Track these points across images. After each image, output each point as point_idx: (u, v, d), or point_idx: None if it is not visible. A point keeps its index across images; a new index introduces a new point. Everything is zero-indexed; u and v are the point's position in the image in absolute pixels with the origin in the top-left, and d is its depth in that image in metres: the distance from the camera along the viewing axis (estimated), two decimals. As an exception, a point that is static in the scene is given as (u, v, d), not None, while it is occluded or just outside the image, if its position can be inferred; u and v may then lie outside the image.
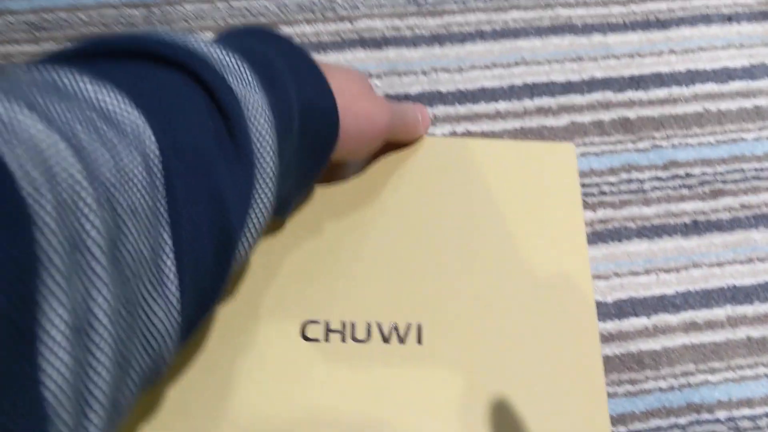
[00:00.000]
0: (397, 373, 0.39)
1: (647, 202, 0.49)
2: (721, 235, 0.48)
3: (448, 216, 0.44)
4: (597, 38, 0.54)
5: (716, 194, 0.49)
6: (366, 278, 0.41)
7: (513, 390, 0.39)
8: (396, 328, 0.40)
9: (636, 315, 0.45)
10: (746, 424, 0.43)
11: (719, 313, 0.46)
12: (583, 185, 0.49)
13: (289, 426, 0.37)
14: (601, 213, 0.48)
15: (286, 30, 0.52)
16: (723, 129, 0.51)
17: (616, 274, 0.46)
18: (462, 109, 0.51)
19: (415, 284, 0.41)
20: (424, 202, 0.44)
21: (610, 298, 0.46)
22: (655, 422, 0.43)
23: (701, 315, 0.46)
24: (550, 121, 0.51)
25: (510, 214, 0.44)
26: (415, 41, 0.53)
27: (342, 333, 0.39)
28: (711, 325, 0.45)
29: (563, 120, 0.51)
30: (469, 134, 0.50)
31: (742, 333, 0.45)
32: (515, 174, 0.45)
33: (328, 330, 0.39)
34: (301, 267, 0.41)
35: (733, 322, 0.46)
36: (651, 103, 0.52)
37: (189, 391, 0.37)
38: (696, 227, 0.48)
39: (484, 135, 0.50)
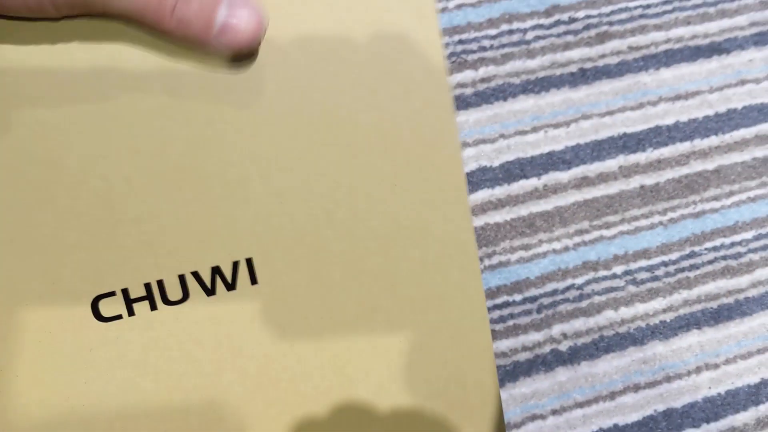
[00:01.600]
0: (235, 331, 0.29)
1: (531, 54, 0.45)
2: (610, 81, 0.45)
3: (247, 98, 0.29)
4: None
5: (602, 38, 0.45)
6: (160, 219, 0.28)
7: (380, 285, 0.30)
8: (219, 272, 0.29)
9: (525, 177, 0.42)
10: (644, 275, 0.42)
11: (611, 164, 0.43)
12: (461, 41, 0.44)
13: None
14: (483, 71, 0.44)
15: None
16: (606, -34, 0.47)
17: (503, 136, 0.43)
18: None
19: (228, 211, 0.29)
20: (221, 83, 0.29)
21: (497, 162, 0.42)
22: (551, 285, 0.41)
23: (593, 168, 0.43)
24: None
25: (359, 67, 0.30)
26: None
27: (149, 299, 0.28)
28: (603, 177, 0.43)
29: (434, -30, 0.45)
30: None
31: (635, 182, 0.43)
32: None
33: (129, 300, 0.28)
34: (69, 228, 0.28)
35: (626, 171, 0.43)
36: (529, -57, 0.47)
37: None
38: (584, 76, 0.45)
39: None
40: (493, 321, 0.40)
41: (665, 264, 0.42)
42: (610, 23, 0.46)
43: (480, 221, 0.41)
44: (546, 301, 0.40)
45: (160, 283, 0.28)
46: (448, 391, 0.31)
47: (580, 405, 0.39)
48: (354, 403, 0.30)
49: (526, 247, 0.41)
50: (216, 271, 0.28)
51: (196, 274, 0.28)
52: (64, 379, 0.28)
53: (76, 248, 0.27)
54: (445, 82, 0.30)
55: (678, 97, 0.45)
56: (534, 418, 0.39)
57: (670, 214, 0.43)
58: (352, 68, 0.29)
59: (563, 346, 0.40)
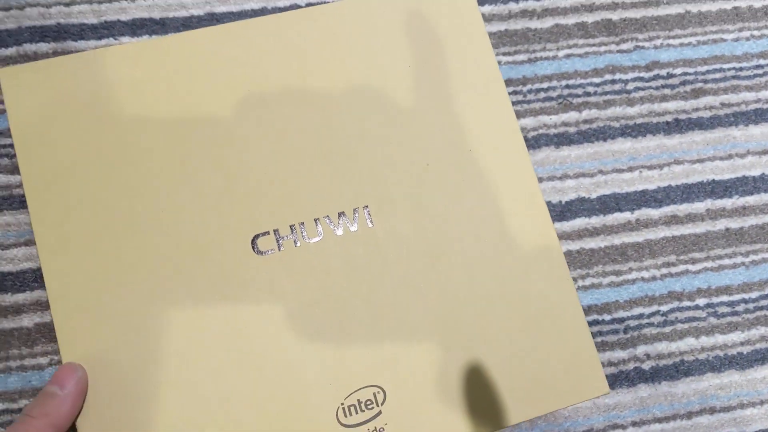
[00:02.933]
0: (357, 262, 0.38)
1: (630, 102, 0.49)
2: (702, 132, 0.49)
3: (361, 88, 0.41)
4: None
5: (697, 93, 0.50)
6: (296, 176, 0.39)
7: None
8: (344, 215, 0.39)
9: (620, 210, 0.47)
10: (725, 309, 0.45)
11: (699, 206, 0.47)
12: (567, 86, 0.49)
13: (265, 341, 0.36)
14: (586, 113, 0.49)
15: None
16: (703, 30, 0.52)
17: (601, 172, 0.47)
18: (447, 12, 0.51)
19: (348, 168, 0.39)
20: (332, 76, 0.41)
21: (594, 194, 0.47)
22: (638, 310, 0.45)
23: (682, 209, 0.47)
24: (535, 24, 0.51)
25: (427, 69, 0.42)
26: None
27: (293, 237, 0.38)
28: (691, 218, 0.47)
29: (548, 23, 0.51)
30: (454, 38, 0.50)
31: (721, 225, 0.47)
32: (421, 27, 0.43)
33: (279, 238, 0.38)
34: (230, 183, 0.38)
35: (713, 214, 0.47)
36: (633, 5, 0.52)
37: (152, 327, 0.36)
38: (678, 125, 0.49)
39: (470, 38, 0.50)
40: (582, 336, 0.44)
41: (745, 301, 0.45)
42: (705, 81, 0.50)
43: (576, 246, 0.46)
44: (632, 323, 0.44)
45: (301, 224, 0.38)
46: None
47: (658, 420, 0.42)
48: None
49: (617, 273, 0.45)
50: (341, 215, 0.39)
51: (327, 218, 0.38)
52: (228, 301, 0.37)
53: (239, 204, 0.38)
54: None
55: (765, 152, 0.49)
56: (615, 427, 0.42)
57: (752, 257, 0.46)
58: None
59: (646, 366, 0.43)
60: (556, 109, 0.49)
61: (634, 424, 0.42)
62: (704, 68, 0.51)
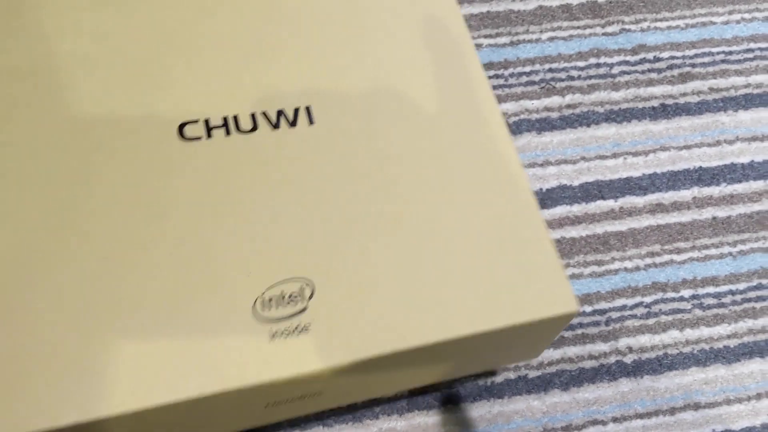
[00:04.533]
0: (292, 157, 0.35)
1: (616, 87, 0.48)
2: (689, 118, 0.47)
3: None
4: None
5: (685, 78, 0.48)
6: (241, 68, 0.37)
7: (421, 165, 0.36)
8: (283, 113, 0.36)
9: (603, 198, 0.45)
10: (711, 301, 0.43)
11: (685, 194, 0.46)
12: (551, 70, 0.48)
13: (186, 224, 0.33)
14: (569, 98, 0.47)
15: None
16: (692, 13, 0.50)
17: (584, 158, 0.46)
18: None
19: (296, 67, 0.37)
20: None
21: (577, 182, 0.45)
22: (620, 301, 0.43)
23: (668, 197, 0.45)
24: (518, 5, 0.49)
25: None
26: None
27: (225, 127, 0.35)
28: (677, 206, 0.45)
29: (531, 4, 0.49)
30: (433, 19, 0.48)
31: (707, 213, 0.45)
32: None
33: (209, 127, 0.35)
34: (166, 67, 0.37)
35: (699, 203, 0.45)
36: (620, -13, 0.51)
37: (69, 207, 0.33)
38: (664, 111, 0.47)
39: (450, 20, 0.48)
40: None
41: (732, 293, 0.44)
42: (693, 65, 0.49)
43: (557, 234, 0.44)
44: (614, 315, 0.43)
45: (235, 116, 0.35)
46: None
47: (640, 416, 0.41)
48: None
49: (599, 263, 0.43)
50: (281, 112, 0.36)
51: (265, 113, 0.36)
52: (150, 184, 0.34)
53: (168, 89, 0.36)
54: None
55: (754, 138, 0.47)
56: (595, 422, 0.40)
57: (740, 246, 0.45)
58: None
59: (628, 359, 0.42)
60: (538, 94, 0.47)
61: (615, 419, 0.41)
62: (692, 52, 0.49)
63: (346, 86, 0.37)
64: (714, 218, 0.45)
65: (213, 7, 0.38)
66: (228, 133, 0.35)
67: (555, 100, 0.47)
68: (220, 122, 0.35)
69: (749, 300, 0.44)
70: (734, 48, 0.49)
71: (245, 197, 0.34)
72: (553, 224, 0.44)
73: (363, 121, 0.36)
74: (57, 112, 0.35)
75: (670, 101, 0.48)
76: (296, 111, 0.36)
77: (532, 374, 0.41)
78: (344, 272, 0.32)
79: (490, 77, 0.47)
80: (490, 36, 0.48)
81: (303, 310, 0.31)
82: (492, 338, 0.33)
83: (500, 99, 0.47)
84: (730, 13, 0.50)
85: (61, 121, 0.34)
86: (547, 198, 0.45)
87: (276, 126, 0.35)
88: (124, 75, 0.36)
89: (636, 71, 0.48)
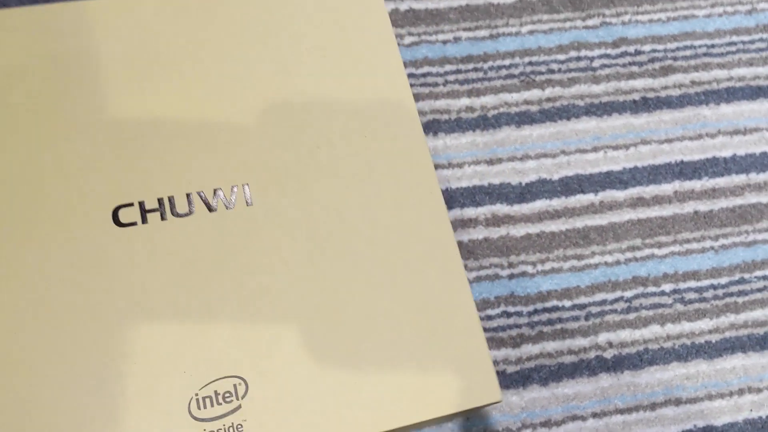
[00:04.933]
0: (230, 241, 0.34)
1: (596, 80, 0.47)
2: (670, 111, 0.47)
3: (255, 65, 0.38)
4: None
5: (666, 71, 0.48)
6: (174, 148, 0.36)
7: (360, 243, 0.35)
8: (220, 193, 0.35)
9: (583, 192, 0.44)
10: (692, 296, 0.43)
11: (667, 188, 0.45)
12: (531, 63, 0.47)
13: (118, 318, 0.33)
14: (549, 91, 0.47)
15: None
16: (674, 6, 0.50)
17: (564, 152, 0.45)
18: (405, -13, 0.48)
19: (231, 144, 0.36)
20: (228, 50, 0.38)
21: (556, 176, 0.45)
22: (600, 296, 0.42)
23: (649, 190, 0.45)
24: (497, -2, 0.49)
25: (327, 52, 0.39)
26: None
27: (160, 211, 0.34)
28: (658, 200, 0.45)
29: (511, -3, 0.49)
30: (412, 11, 0.48)
31: (689, 207, 0.45)
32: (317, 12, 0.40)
33: (144, 211, 0.34)
34: (98, 148, 0.35)
35: (681, 197, 0.45)
36: (601, -20, 0.50)
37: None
38: (645, 104, 0.47)
39: (429, 13, 0.48)
40: (541, 323, 0.41)
41: (714, 287, 0.43)
42: (675, 58, 0.48)
43: (536, 229, 0.43)
44: (594, 309, 0.42)
45: (170, 198, 0.35)
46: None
47: (620, 411, 0.40)
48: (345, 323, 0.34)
49: (578, 257, 0.43)
50: (218, 192, 0.35)
51: (200, 194, 0.35)
52: (82, 275, 0.33)
53: (101, 169, 0.35)
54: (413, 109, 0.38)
55: (737, 132, 0.47)
56: (575, 418, 0.40)
57: (722, 241, 0.44)
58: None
59: (608, 354, 0.41)
60: (518, 87, 0.47)
61: (595, 415, 0.40)
62: (674, 45, 0.49)
63: (283, 162, 0.36)
64: (696, 212, 0.45)
65: (147, 84, 0.37)
66: (163, 217, 0.34)
67: (535, 94, 0.46)
68: (155, 205, 0.34)
69: (731, 294, 0.43)
70: (716, 41, 0.49)
71: (179, 289, 0.33)
72: (533, 218, 0.43)
73: (301, 200, 0.36)
74: None
75: (651, 94, 0.47)
76: (233, 189, 0.35)
77: (511, 369, 0.40)
78: (277, 369, 0.32)
79: (468, 71, 0.46)
80: (469, 29, 0.48)
81: (237, 408, 0.31)
82: (418, 424, 0.34)
83: (479, 92, 0.46)
84: (713, 6, 0.50)
85: None
86: (526, 192, 0.44)
87: (212, 209, 0.35)
88: (56, 155, 0.35)
89: (617, 64, 0.48)
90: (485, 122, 0.45)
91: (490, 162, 0.44)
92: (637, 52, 0.48)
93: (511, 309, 0.41)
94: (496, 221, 0.43)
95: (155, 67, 0.37)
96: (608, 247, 0.43)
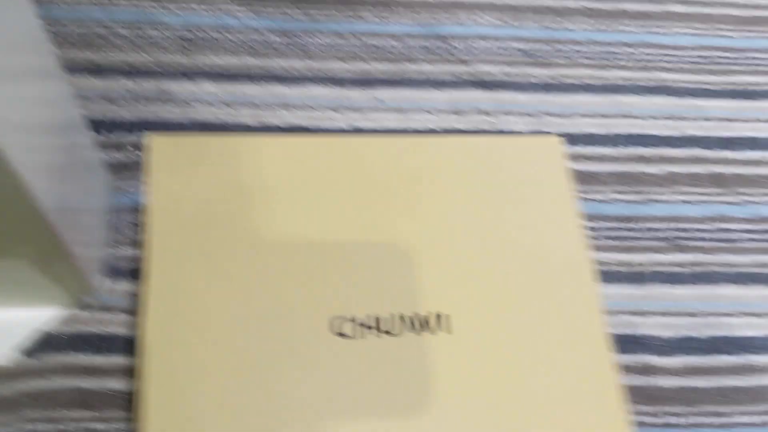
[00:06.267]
0: (432, 362, 0.42)
1: (736, 251, 0.52)
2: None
3: (454, 210, 0.48)
4: (691, 101, 0.59)
5: (804, 252, 0.52)
6: (386, 272, 0.45)
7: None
8: (426, 320, 0.43)
9: (728, 353, 0.48)
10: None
11: (807, 359, 0.48)
12: (678, 229, 0.52)
13: (332, 419, 0.40)
14: (691, 256, 0.51)
15: (410, 67, 0.57)
16: (811, 192, 0.55)
17: (710, 314, 0.49)
18: (567, 149, 0.55)
19: (435, 277, 0.45)
20: (428, 199, 0.48)
21: (704, 335, 0.48)
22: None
23: (789, 359, 0.48)
24: (649, 169, 0.54)
25: (506, 205, 0.49)
26: (525, 87, 0.58)
27: (376, 327, 0.42)
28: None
29: (660, 169, 0.55)
30: (572, 170, 0.54)
31: (828, 380, 0.47)
32: (507, 168, 0.50)
33: (360, 325, 0.42)
34: (321, 264, 0.44)
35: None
36: (742, 162, 0.56)
37: (226, 390, 0.40)
38: (783, 278, 0.51)
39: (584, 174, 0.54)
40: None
41: None
42: (813, 240, 0.52)
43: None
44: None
45: (377, 318, 0.43)
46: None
47: None
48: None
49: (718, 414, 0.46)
50: (422, 317, 0.43)
51: (410, 317, 0.43)
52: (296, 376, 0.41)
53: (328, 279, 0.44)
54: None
55: None
56: None
57: None
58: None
59: None
60: (667, 249, 0.51)
61: None
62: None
63: (485, 295, 0.45)
64: (834, 385, 0.47)
65: (363, 216, 0.46)
66: (372, 329, 0.42)
67: (679, 257, 0.51)
68: (366, 321, 0.42)
69: None
70: None
71: (378, 401, 0.41)
72: (680, 372, 0.47)
73: (499, 333, 0.43)
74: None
75: (789, 270, 0.51)
76: (439, 318, 0.43)
77: None
78: None
79: (621, 229, 0.52)
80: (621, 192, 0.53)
81: None
82: None
83: (626, 249, 0.51)
84: None
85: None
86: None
87: (417, 330, 0.43)
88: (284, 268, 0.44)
89: (758, 239, 0.52)
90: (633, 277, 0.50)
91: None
92: (777, 230, 0.53)
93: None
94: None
95: (378, 208, 0.47)
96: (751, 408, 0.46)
